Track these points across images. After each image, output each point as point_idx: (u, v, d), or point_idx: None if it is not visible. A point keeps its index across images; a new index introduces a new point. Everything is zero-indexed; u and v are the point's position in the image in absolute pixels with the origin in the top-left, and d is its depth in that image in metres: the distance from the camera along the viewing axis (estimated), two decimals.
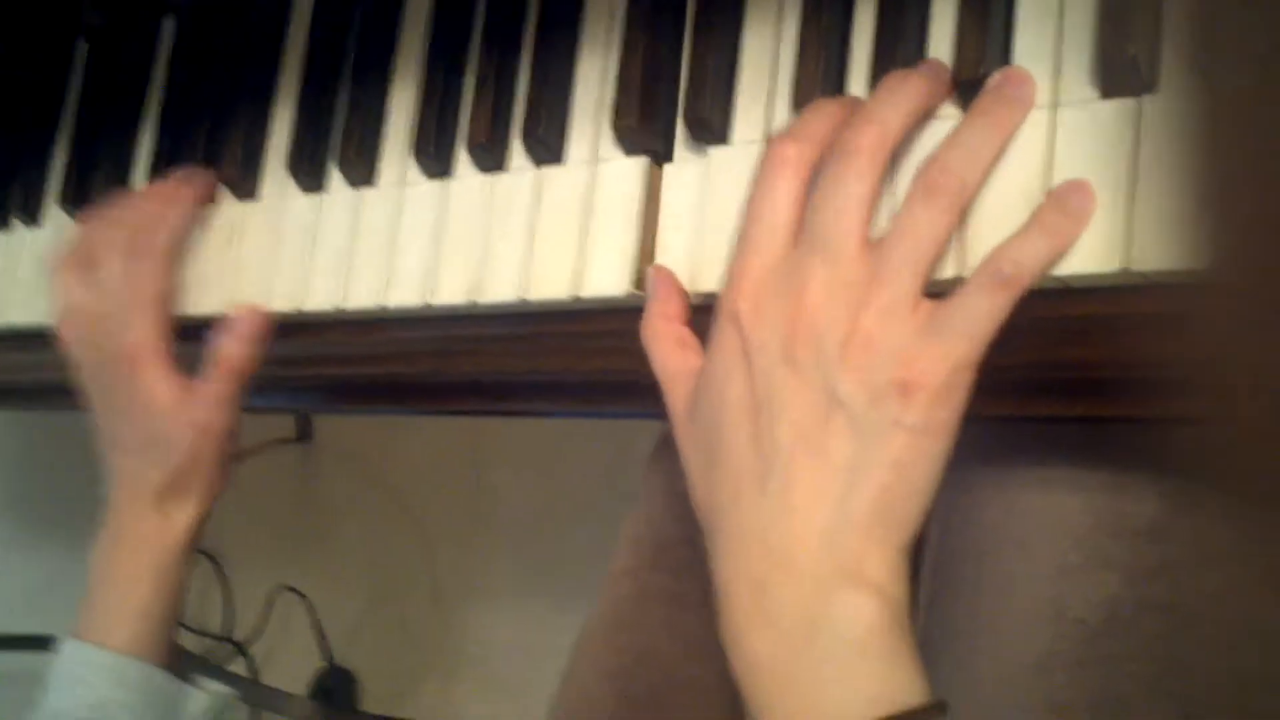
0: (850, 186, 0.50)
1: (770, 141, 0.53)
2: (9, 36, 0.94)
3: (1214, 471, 0.60)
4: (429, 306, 0.66)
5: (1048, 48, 0.51)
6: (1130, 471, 0.61)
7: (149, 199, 0.77)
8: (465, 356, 0.67)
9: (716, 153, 0.59)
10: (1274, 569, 0.62)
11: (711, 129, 0.59)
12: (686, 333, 0.57)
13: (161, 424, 0.73)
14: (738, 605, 0.51)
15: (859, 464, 0.49)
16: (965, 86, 0.52)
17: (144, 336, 0.73)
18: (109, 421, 0.75)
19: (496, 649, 1.65)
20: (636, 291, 0.59)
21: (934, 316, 0.49)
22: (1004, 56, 0.52)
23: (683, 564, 0.74)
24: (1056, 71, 0.51)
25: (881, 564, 0.49)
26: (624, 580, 0.75)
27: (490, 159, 0.66)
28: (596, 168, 0.62)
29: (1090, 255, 0.48)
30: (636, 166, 0.61)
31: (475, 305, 0.64)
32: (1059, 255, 0.48)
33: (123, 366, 0.73)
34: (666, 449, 0.78)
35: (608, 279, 0.60)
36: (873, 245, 0.50)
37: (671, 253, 0.60)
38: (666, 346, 0.56)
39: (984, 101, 0.51)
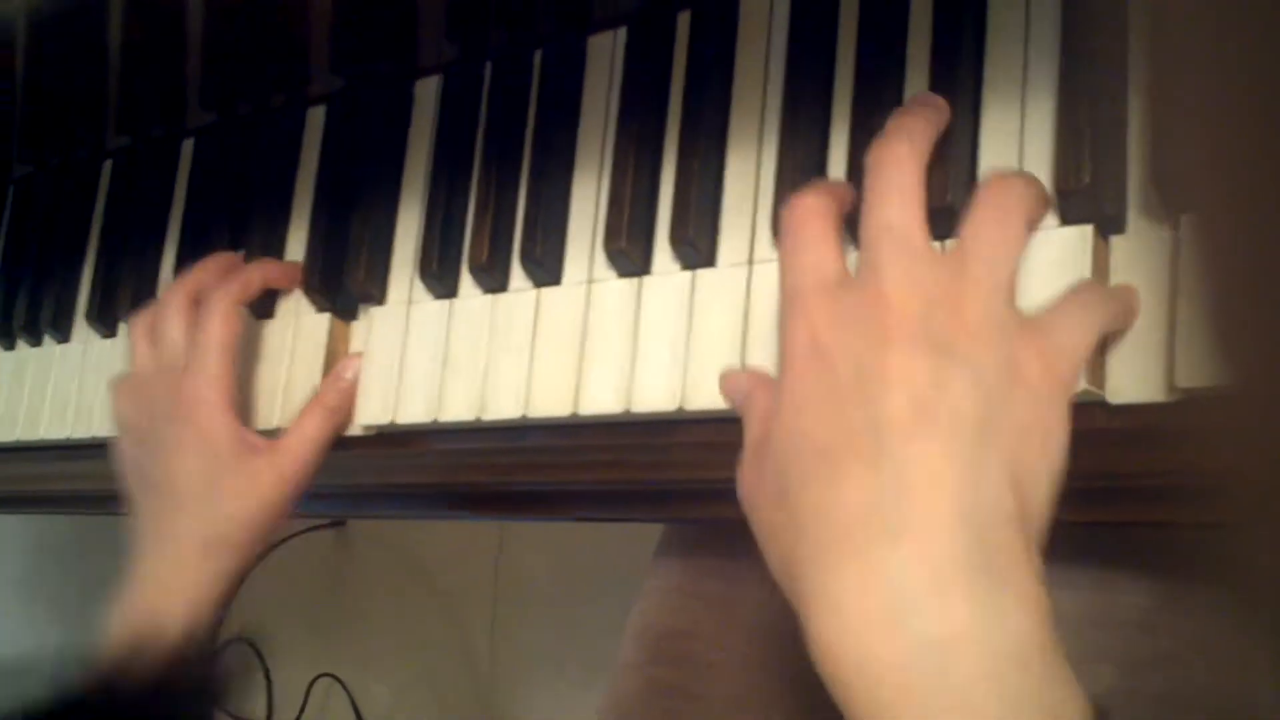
0: (905, 186, 0.49)
1: (786, 209, 0.52)
2: (41, 159, 0.98)
3: (1228, 572, 0.61)
4: (435, 422, 0.68)
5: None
6: (1118, 569, 0.62)
7: (214, 262, 0.78)
8: (472, 470, 0.70)
9: (703, 274, 0.61)
10: (1265, 660, 0.63)
11: (698, 250, 0.62)
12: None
13: (224, 468, 0.70)
14: (849, 606, 0.43)
15: (989, 422, 0.43)
16: (932, 215, 0.54)
17: (210, 380, 0.71)
18: (155, 472, 0.72)
19: None
20: (632, 409, 0.61)
21: (1041, 318, 0.47)
22: (969, 185, 0.54)
23: (684, 656, 0.75)
24: None
25: (1026, 558, 0.43)
26: (629, 675, 0.77)
27: (491, 279, 0.69)
28: (591, 288, 0.65)
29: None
30: (628, 287, 0.63)
31: (480, 422, 0.66)
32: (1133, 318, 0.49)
33: (188, 408, 0.71)
34: (667, 547, 0.79)
35: (604, 397, 0.62)
36: (944, 253, 0.48)
37: (651, 370, 0.61)
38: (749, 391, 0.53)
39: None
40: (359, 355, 0.73)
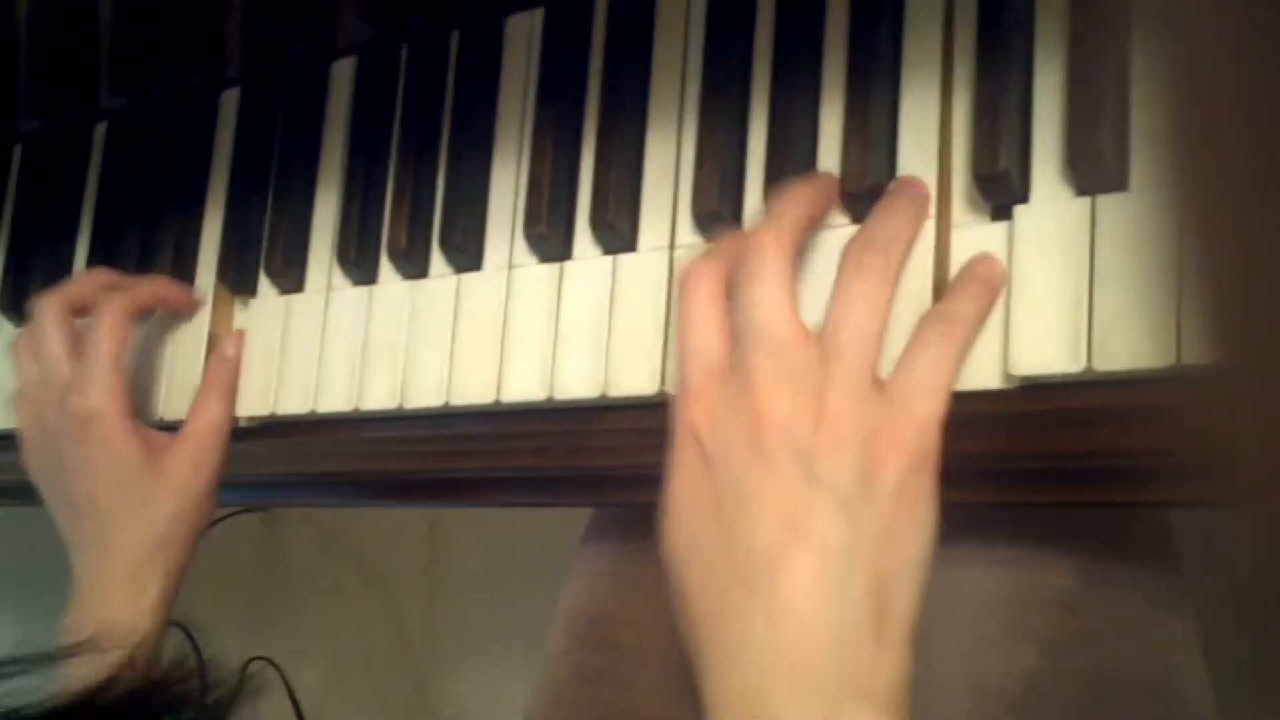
0: (766, 277, 0.51)
1: (685, 268, 0.54)
2: None
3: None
4: (356, 411, 0.67)
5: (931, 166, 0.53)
6: (1041, 547, 0.62)
7: (90, 277, 0.77)
8: (394, 459, 0.69)
9: (624, 259, 0.61)
10: (1187, 636, 0.64)
11: (619, 235, 0.61)
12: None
13: (136, 482, 0.70)
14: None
15: (851, 543, 0.47)
16: (852, 199, 0.54)
17: (102, 392, 0.70)
18: (70, 491, 0.73)
19: (468, 709, 1.65)
20: (554, 397, 0.61)
21: (891, 386, 0.50)
22: (889, 170, 0.54)
23: (612, 642, 0.74)
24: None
25: (887, 666, 0.48)
26: (557, 661, 0.76)
27: (411, 266, 0.68)
28: (512, 273, 0.64)
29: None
30: (550, 272, 0.62)
31: (401, 410, 0.66)
32: (989, 302, 0.50)
33: (83, 427, 0.70)
34: (595, 530, 0.79)
35: (527, 384, 0.62)
36: (814, 334, 0.50)
37: (573, 357, 0.61)
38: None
39: (891, 193, 0.53)
40: (240, 332, 0.74)
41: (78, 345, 0.73)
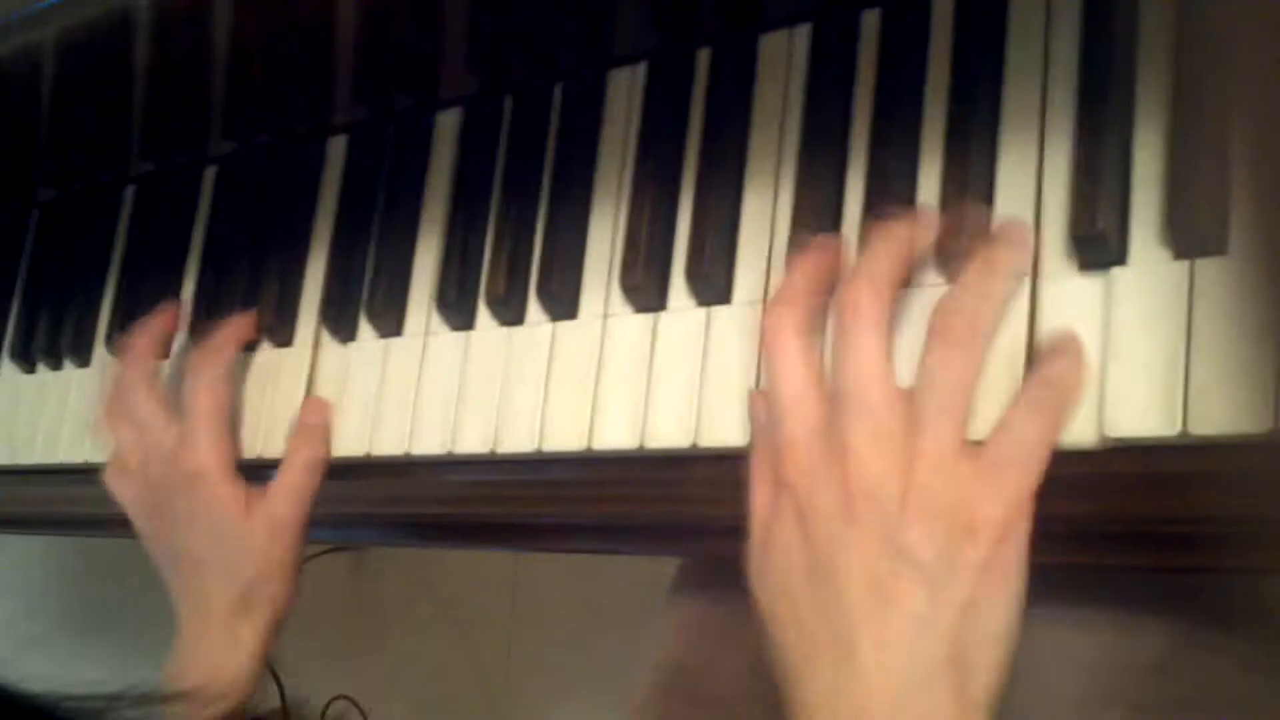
0: (861, 340, 0.51)
1: (765, 314, 0.55)
2: (65, 183, 0.98)
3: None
4: (450, 454, 0.68)
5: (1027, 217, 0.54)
6: (1134, 610, 0.62)
7: (154, 322, 0.82)
8: (485, 502, 0.70)
9: (719, 311, 0.61)
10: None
11: (714, 287, 0.62)
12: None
13: (233, 533, 0.73)
14: None
15: (930, 613, 0.48)
16: (947, 257, 0.54)
17: (208, 450, 0.73)
18: (175, 544, 0.75)
19: None
20: (646, 445, 0.61)
21: (984, 454, 0.49)
22: (986, 227, 0.54)
23: (698, 690, 0.74)
24: (1035, 245, 0.53)
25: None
26: (646, 712, 0.77)
27: (508, 312, 0.69)
28: (606, 322, 0.65)
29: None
30: (644, 323, 0.63)
31: (494, 454, 0.66)
32: (1080, 376, 0.50)
33: (189, 482, 0.73)
34: (683, 580, 0.79)
35: (619, 431, 0.62)
36: (906, 394, 0.51)
37: (666, 406, 0.62)
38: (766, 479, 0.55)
39: (984, 248, 0.53)
40: (319, 399, 0.75)
41: (174, 402, 0.77)
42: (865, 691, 0.48)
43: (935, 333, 0.51)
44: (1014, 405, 0.50)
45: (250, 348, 0.81)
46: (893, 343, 0.52)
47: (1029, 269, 0.53)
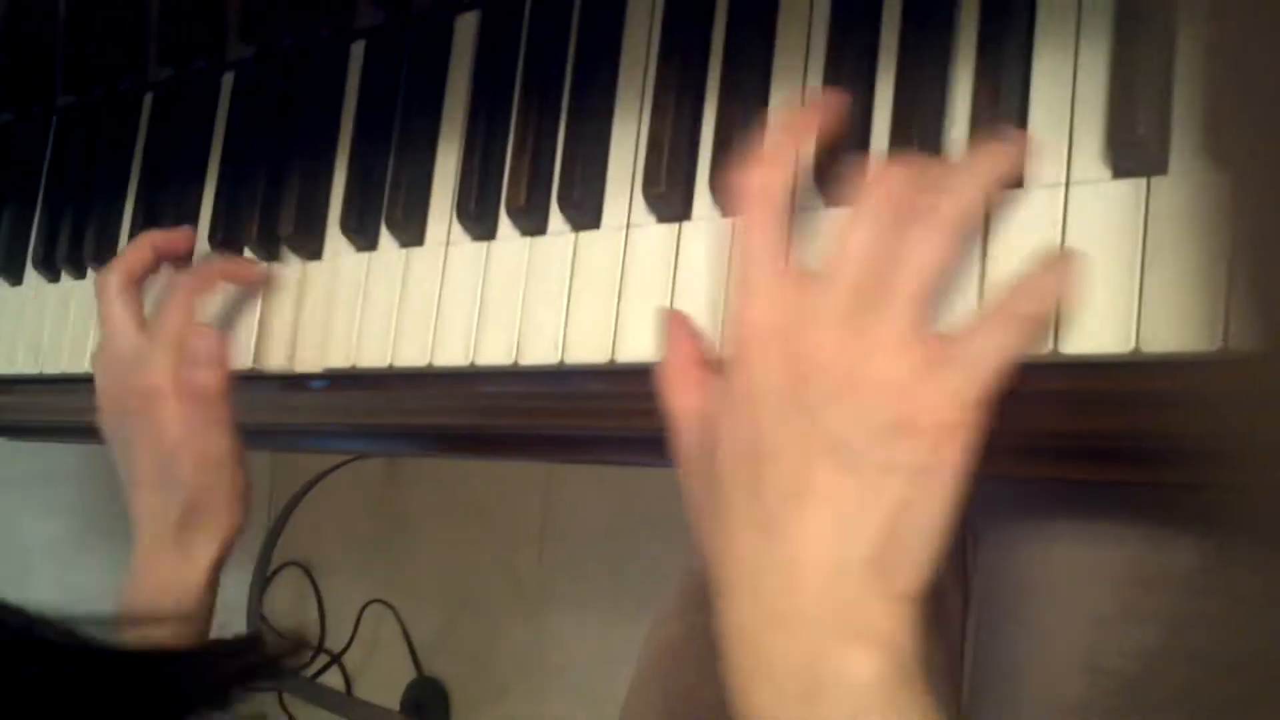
0: (858, 224, 0.49)
1: (740, 177, 0.53)
2: (84, 89, 0.97)
3: (1249, 528, 0.60)
4: (472, 365, 0.67)
5: (1062, 126, 0.52)
6: (1167, 527, 0.61)
7: (145, 241, 0.82)
8: (508, 414, 0.69)
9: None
10: None
11: None
12: (704, 375, 0.56)
13: (172, 457, 0.74)
14: (736, 658, 0.50)
15: (859, 508, 0.47)
16: None
17: (161, 370, 0.74)
18: (128, 457, 0.77)
19: (579, 658, 1.67)
20: None
21: (938, 351, 0.48)
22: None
23: None
24: (1069, 149, 0.51)
25: (885, 615, 0.47)
26: (672, 622, 0.77)
27: (529, 222, 0.68)
28: (629, 233, 0.63)
29: (1102, 336, 0.48)
30: (668, 233, 0.62)
31: (516, 366, 0.66)
32: (1062, 295, 0.49)
33: (143, 401, 0.75)
34: None
35: (642, 345, 0.61)
36: (877, 280, 0.49)
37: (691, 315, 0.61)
38: (681, 388, 0.56)
39: (979, 147, 0.52)
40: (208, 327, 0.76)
41: (145, 319, 0.78)
42: (788, 574, 0.48)
43: (911, 215, 0.49)
44: (983, 310, 0.49)
45: (272, 258, 0.80)
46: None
47: (1023, 171, 0.51)
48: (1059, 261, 0.49)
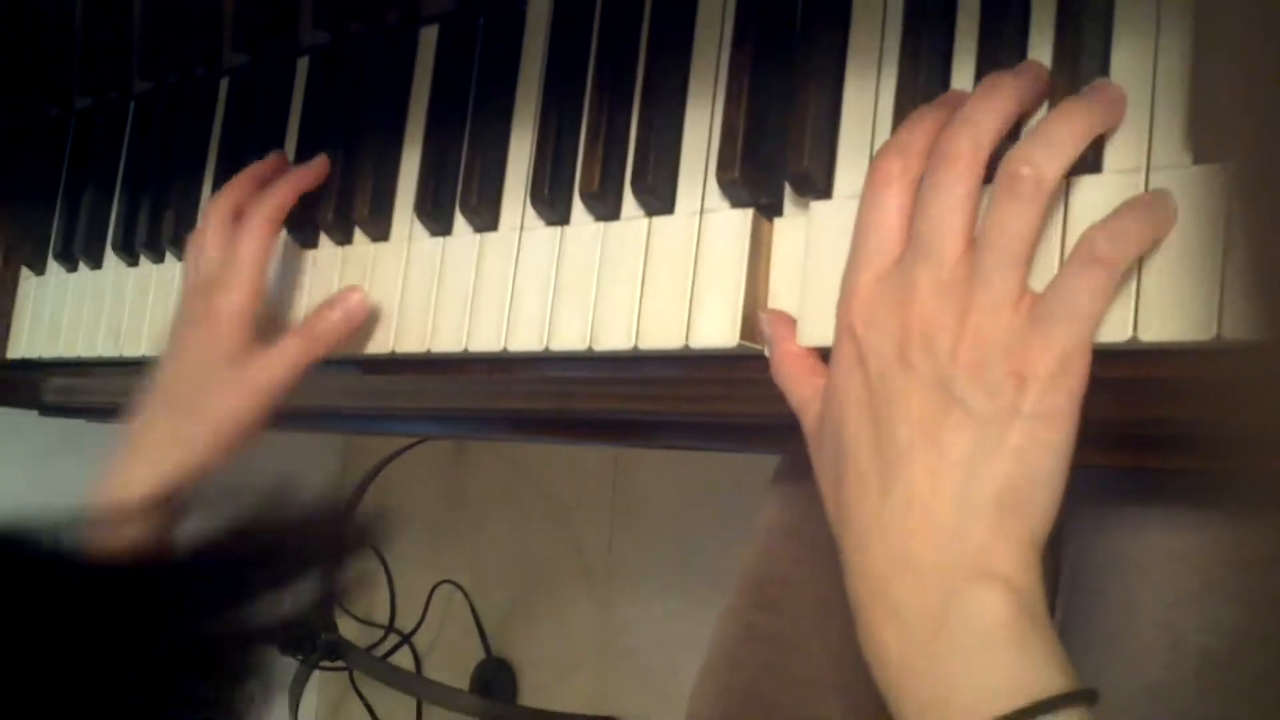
0: (949, 191, 0.51)
1: (875, 158, 0.54)
2: (160, 76, 0.98)
3: None
4: (546, 350, 0.67)
5: (1142, 107, 0.51)
6: (1252, 511, 0.60)
7: (249, 173, 0.83)
8: (582, 399, 0.69)
9: (818, 207, 0.59)
10: None
11: (814, 184, 0.60)
12: (816, 361, 0.58)
13: (215, 380, 0.74)
14: (864, 605, 0.52)
15: (978, 456, 0.49)
16: None
17: (236, 292, 0.75)
18: (167, 369, 0.77)
19: (646, 641, 1.67)
20: (745, 344, 0.60)
21: (1037, 306, 0.49)
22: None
23: (779, 603, 0.75)
24: (1148, 134, 0.50)
25: (1007, 556, 0.49)
26: (731, 619, 0.77)
27: (603, 207, 0.68)
28: (703, 219, 0.63)
29: (1184, 323, 0.48)
30: (742, 219, 0.62)
31: (590, 352, 0.66)
32: (1151, 235, 0.49)
33: (209, 315, 0.75)
34: (777, 480, 0.79)
35: (716, 331, 0.61)
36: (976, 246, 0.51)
37: (782, 306, 0.61)
38: (797, 375, 0.58)
39: (1070, 101, 0.52)
40: (358, 289, 0.76)
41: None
42: (913, 526, 0.50)
43: (1001, 182, 0.50)
44: (1069, 263, 0.50)
45: (346, 241, 0.80)
46: (981, 190, 0.51)
47: (1141, 164, 0.51)
48: (1140, 202, 0.50)
